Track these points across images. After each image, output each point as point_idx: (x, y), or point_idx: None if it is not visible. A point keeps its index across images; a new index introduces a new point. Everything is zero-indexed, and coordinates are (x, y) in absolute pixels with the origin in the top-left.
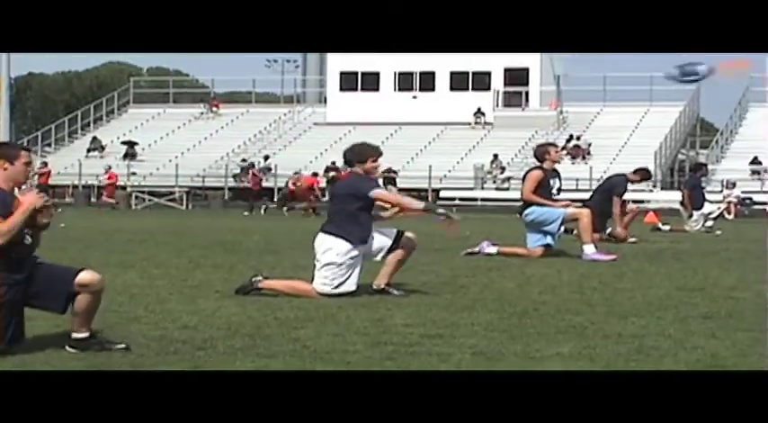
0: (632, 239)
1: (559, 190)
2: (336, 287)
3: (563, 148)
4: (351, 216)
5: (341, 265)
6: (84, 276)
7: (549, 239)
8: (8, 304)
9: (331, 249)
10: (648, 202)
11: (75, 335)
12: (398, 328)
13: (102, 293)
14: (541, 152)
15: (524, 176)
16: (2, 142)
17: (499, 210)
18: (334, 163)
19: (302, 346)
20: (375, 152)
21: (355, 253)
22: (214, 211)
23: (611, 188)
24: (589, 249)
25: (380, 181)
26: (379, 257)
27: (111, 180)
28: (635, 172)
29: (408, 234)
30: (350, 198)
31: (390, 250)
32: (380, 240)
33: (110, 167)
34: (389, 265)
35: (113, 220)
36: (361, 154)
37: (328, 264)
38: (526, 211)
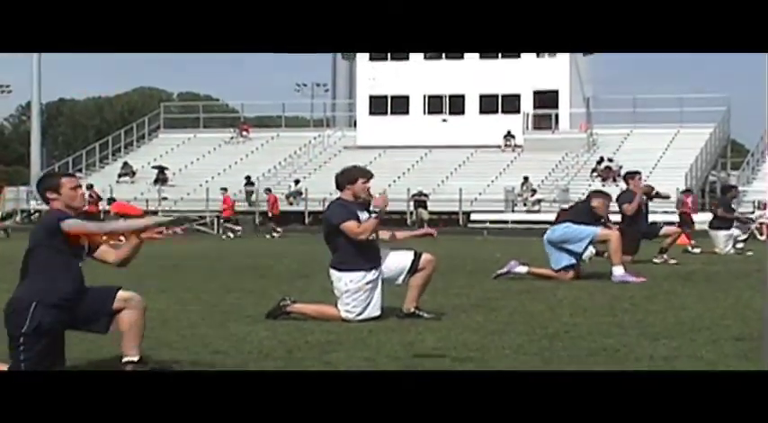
0: (672, 261)
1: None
2: (359, 314)
3: (593, 171)
4: (347, 246)
5: (358, 291)
6: (124, 293)
7: (573, 260)
8: (58, 325)
9: (342, 280)
10: (679, 223)
11: (126, 358)
12: (429, 351)
13: (145, 312)
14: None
15: (588, 195)
16: (45, 175)
17: (530, 232)
18: None
19: (334, 370)
20: (365, 174)
21: (371, 278)
22: (245, 235)
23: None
24: (618, 271)
25: (376, 207)
26: (400, 281)
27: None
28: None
29: (426, 255)
30: (331, 229)
31: (410, 272)
32: (398, 264)
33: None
34: (413, 288)
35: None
36: (350, 175)
37: (346, 292)
38: (554, 228)
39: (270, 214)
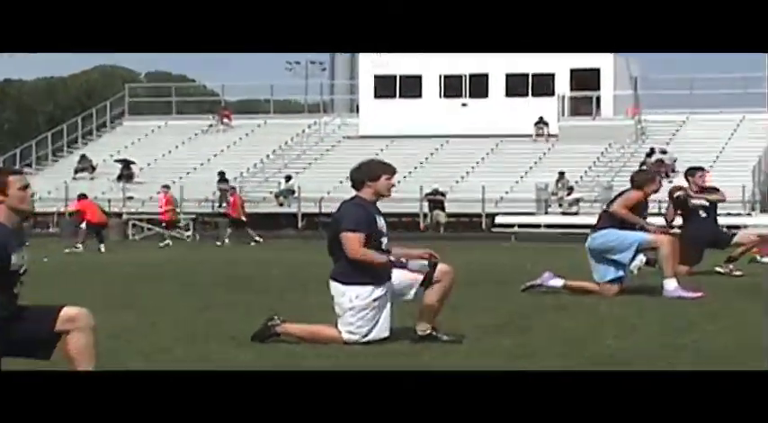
0: (738, 273)
1: (645, 217)
2: (365, 335)
3: (642, 164)
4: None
5: (364, 309)
6: (68, 311)
7: (621, 272)
8: None
9: (346, 295)
10: (746, 227)
11: None
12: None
13: (95, 332)
14: (644, 179)
15: (619, 194)
16: None
17: (566, 238)
18: None
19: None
20: (388, 169)
21: (379, 293)
22: (229, 242)
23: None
24: (671, 285)
25: (412, 264)
26: (411, 296)
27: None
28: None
29: (443, 265)
30: (337, 234)
31: (424, 286)
32: (409, 275)
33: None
34: (428, 305)
35: (106, 253)
36: (371, 171)
37: (350, 309)
38: (594, 235)
39: (231, 217)
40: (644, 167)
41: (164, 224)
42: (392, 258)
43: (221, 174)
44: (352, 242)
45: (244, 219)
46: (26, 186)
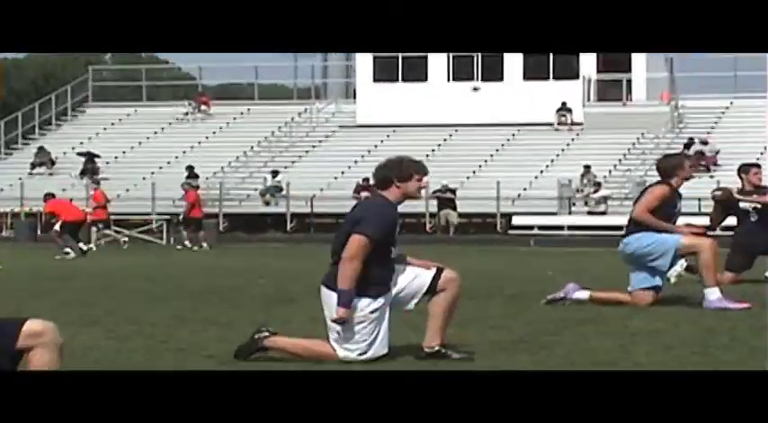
0: None
1: (679, 213)
2: (363, 353)
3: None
4: (363, 266)
5: (361, 323)
6: (32, 325)
7: (658, 280)
8: None
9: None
10: None
11: None
12: None
13: (62, 349)
14: (671, 166)
15: (644, 190)
16: None
17: (593, 241)
18: (366, 180)
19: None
20: (421, 168)
21: (377, 305)
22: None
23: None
24: (713, 295)
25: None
26: (411, 305)
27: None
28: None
29: (448, 272)
30: (351, 234)
31: (428, 294)
32: (412, 282)
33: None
34: (435, 317)
35: (69, 260)
36: (402, 170)
37: (347, 324)
38: (626, 240)
39: (185, 216)
40: (672, 153)
41: (101, 225)
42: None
43: (190, 168)
44: (360, 248)
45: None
46: None
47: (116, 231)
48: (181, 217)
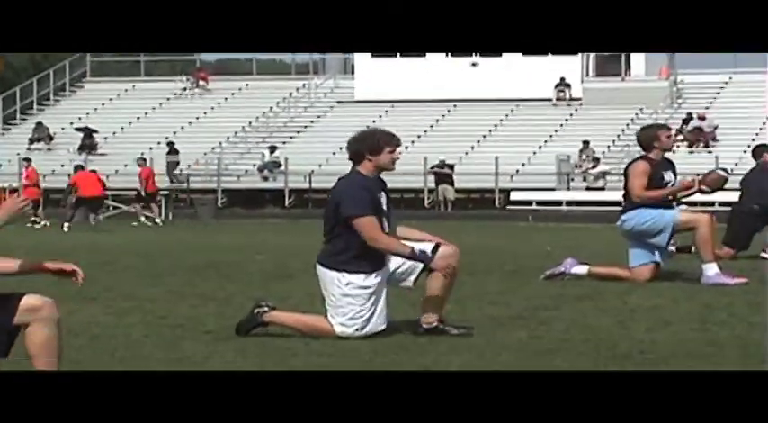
0: (765, 255)
1: (669, 185)
2: (360, 328)
3: (678, 132)
4: (351, 239)
5: (356, 297)
6: (30, 300)
7: (657, 256)
8: None
9: (336, 283)
10: None
11: None
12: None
13: (59, 325)
14: (648, 137)
15: (625, 172)
16: None
17: (591, 216)
18: None
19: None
20: (392, 140)
21: (373, 281)
22: (203, 222)
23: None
24: (711, 270)
25: (425, 257)
26: (410, 282)
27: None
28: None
29: (446, 247)
30: (337, 216)
31: (426, 271)
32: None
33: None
34: (433, 293)
35: (66, 236)
36: (373, 142)
37: (343, 297)
38: (624, 217)
39: (143, 193)
40: (649, 125)
41: (30, 204)
42: (415, 249)
43: (170, 144)
44: (368, 227)
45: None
46: None
47: (115, 207)
48: (142, 193)
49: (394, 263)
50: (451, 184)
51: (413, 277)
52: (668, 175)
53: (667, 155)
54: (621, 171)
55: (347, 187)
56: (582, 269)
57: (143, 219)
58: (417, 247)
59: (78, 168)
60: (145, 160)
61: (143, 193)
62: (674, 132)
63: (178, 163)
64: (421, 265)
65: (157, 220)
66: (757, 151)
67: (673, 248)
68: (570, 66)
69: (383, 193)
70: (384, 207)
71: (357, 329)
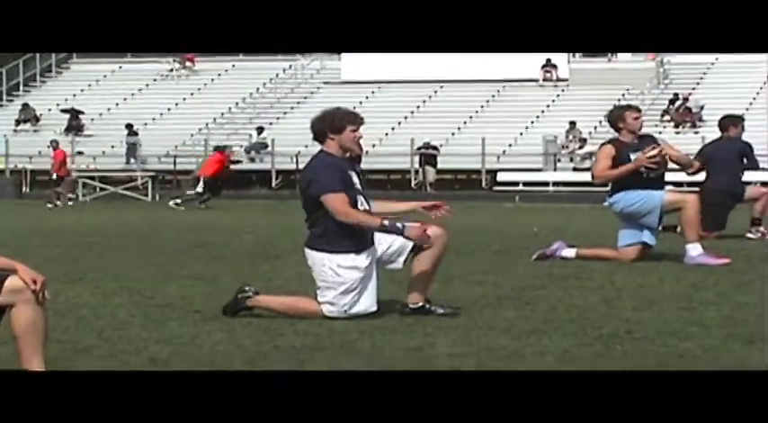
0: (751, 234)
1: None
2: (349, 309)
3: (665, 112)
4: (330, 221)
5: (348, 280)
6: (14, 282)
7: (646, 236)
8: None
9: (324, 264)
10: None
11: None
12: (442, 359)
13: (45, 306)
14: (615, 118)
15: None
16: None
17: (578, 197)
18: None
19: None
20: (354, 119)
21: (362, 261)
22: (189, 202)
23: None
24: (694, 250)
25: (409, 233)
26: (399, 264)
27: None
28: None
29: (434, 228)
30: (310, 198)
31: (414, 252)
32: (396, 241)
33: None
34: (419, 274)
35: (52, 216)
36: (334, 122)
37: (330, 279)
38: (611, 199)
39: (54, 176)
40: (618, 106)
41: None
42: (386, 222)
43: (129, 126)
44: (337, 203)
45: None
46: None
47: (102, 188)
48: (53, 175)
49: (383, 244)
50: (434, 165)
51: (402, 258)
52: (636, 155)
53: (658, 135)
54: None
55: (313, 167)
56: (571, 252)
57: (59, 203)
58: (388, 220)
59: (219, 149)
60: (58, 143)
61: (54, 176)
62: (641, 114)
63: (136, 144)
64: (410, 246)
65: (58, 203)
66: (723, 123)
67: (659, 227)
68: None
69: (354, 173)
70: (358, 186)
71: (346, 310)
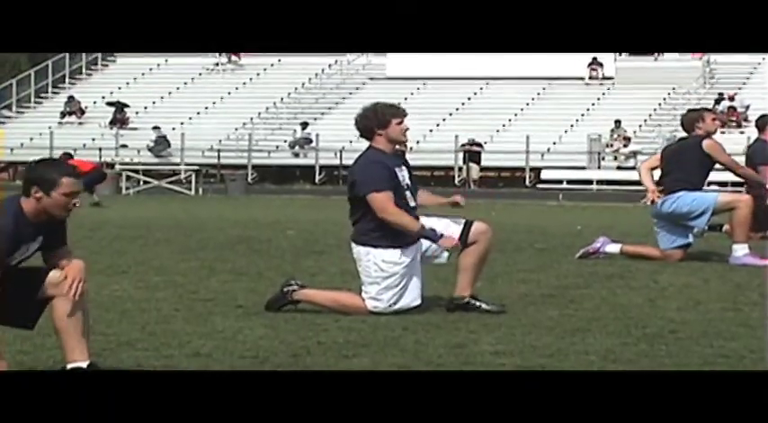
0: None
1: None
2: (393, 304)
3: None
4: (375, 217)
5: (392, 275)
6: (56, 274)
7: (690, 238)
8: None
9: (370, 261)
10: None
11: (71, 365)
12: (486, 356)
13: (86, 298)
14: (692, 119)
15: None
16: (44, 160)
17: (621, 196)
18: None
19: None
20: (397, 111)
21: (407, 257)
22: (233, 197)
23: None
24: (740, 250)
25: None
26: (443, 259)
27: None
28: None
29: (479, 224)
30: (356, 195)
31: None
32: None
33: None
34: (465, 270)
35: (97, 210)
36: (379, 117)
37: (375, 274)
38: (667, 197)
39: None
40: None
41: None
42: (424, 227)
43: (155, 128)
44: (381, 202)
45: None
46: (75, 193)
47: (146, 181)
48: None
49: (426, 240)
50: (478, 162)
51: (446, 254)
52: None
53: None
54: (653, 151)
55: (361, 164)
56: (615, 247)
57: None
58: (450, 226)
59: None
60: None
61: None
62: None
63: (165, 138)
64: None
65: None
66: (761, 123)
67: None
68: None
69: (404, 168)
70: (407, 181)
71: (389, 305)
